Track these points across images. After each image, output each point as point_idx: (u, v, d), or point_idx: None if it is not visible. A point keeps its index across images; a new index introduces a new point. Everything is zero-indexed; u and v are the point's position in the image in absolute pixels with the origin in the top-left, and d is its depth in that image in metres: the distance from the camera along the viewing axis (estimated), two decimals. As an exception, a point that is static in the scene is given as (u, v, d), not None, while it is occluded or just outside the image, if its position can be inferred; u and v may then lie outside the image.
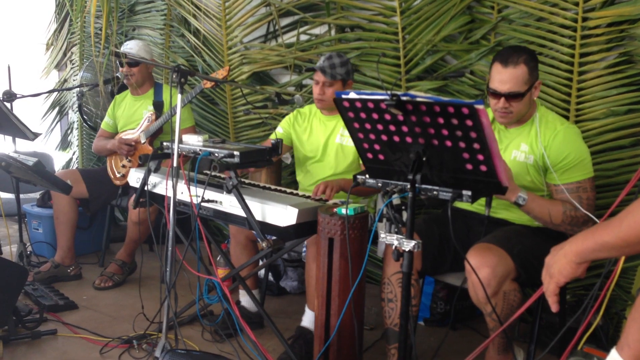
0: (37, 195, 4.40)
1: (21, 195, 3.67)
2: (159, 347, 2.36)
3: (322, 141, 2.96)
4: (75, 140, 5.51)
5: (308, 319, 2.68)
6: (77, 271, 3.68)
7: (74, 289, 3.47)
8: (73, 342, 2.77)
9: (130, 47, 3.63)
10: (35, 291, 3.23)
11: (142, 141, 3.52)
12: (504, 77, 2.25)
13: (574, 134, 2.32)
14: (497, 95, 2.27)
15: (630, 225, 1.19)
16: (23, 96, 3.64)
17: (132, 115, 3.72)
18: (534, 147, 2.32)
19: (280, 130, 3.08)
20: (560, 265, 1.36)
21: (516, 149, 2.36)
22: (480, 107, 1.53)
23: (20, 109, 3.77)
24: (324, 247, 2.22)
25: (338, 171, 2.93)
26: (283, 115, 3.89)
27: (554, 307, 1.42)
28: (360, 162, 2.88)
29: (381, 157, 1.84)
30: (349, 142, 2.88)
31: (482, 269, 2.03)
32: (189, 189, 2.38)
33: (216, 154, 2.34)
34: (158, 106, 3.60)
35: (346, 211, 2.12)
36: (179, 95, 2.41)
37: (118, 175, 3.69)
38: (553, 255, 1.39)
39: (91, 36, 4.68)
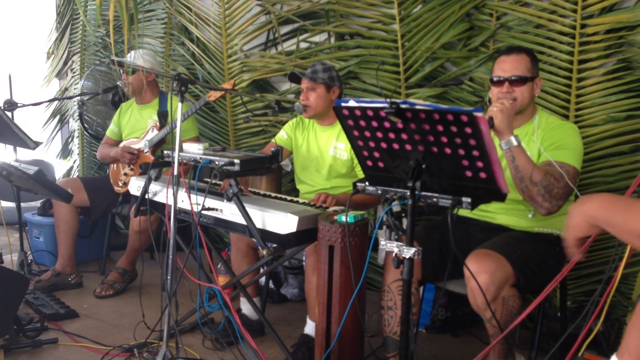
0: (38, 203, 4.41)
1: (22, 204, 3.68)
2: (160, 356, 2.36)
3: (316, 152, 2.97)
4: (76, 149, 5.52)
5: (310, 328, 2.68)
6: (78, 279, 3.68)
7: (74, 297, 3.47)
8: (74, 350, 2.76)
9: (129, 55, 3.64)
10: (36, 300, 3.23)
11: (145, 150, 3.54)
12: (506, 65, 2.33)
13: (571, 128, 2.37)
14: (500, 81, 2.33)
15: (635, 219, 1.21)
16: (24, 105, 3.65)
17: (136, 124, 3.73)
18: (530, 144, 2.34)
19: (283, 135, 3.09)
20: (576, 220, 1.39)
21: None
22: (479, 114, 1.54)
23: (21, 118, 3.79)
24: (325, 255, 2.22)
25: (331, 183, 2.94)
26: (283, 123, 3.90)
27: (576, 258, 1.46)
28: (353, 173, 2.90)
29: (381, 164, 1.85)
30: (342, 155, 2.89)
31: (481, 274, 2.03)
32: (189, 197, 2.39)
33: (216, 162, 2.35)
34: (162, 116, 3.61)
35: (346, 218, 2.13)
36: (180, 104, 2.43)
37: (120, 184, 3.70)
38: (574, 207, 1.41)
39: (91, 45, 4.72)
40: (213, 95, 3.12)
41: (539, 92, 2.40)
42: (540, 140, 2.32)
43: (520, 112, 2.36)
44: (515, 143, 2.13)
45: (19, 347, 2.68)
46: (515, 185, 2.18)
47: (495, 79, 2.35)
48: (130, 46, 3.63)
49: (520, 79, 2.30)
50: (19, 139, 3.30)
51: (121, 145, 3.71)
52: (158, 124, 3.58)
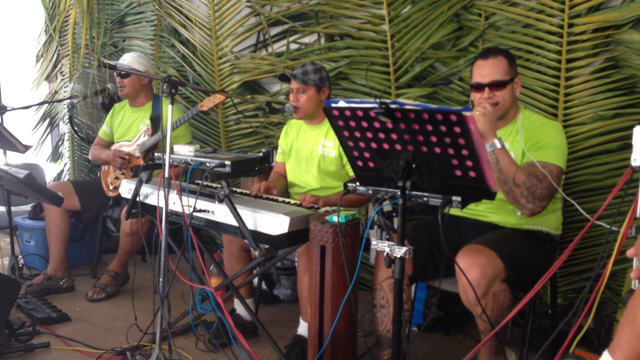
0: (28, 207, 4.39)
1: (12, 208, 3.66)
2: (153, 358, 2.36)
3: (306, 152, 2.98)
4: (67, 152, 5.50)
5: (303, 328, 2.68)
6: (70, 283, 3.66)
7: (66, 301, 3.45)
8: (66, 354, 2.75)
9: (124, 58, 3.63)
10: (28, 304, 3.21)
11: (137, 155, 3.52)
12: (484, 70, 2.33)
13: (554, 126, 2.38)
14: (480, 87, 2.33)
15: None
16: (13, 109, 3.64)
17: (128, 127, 3.71)
18: (514, 144, 2.36)
19: (280, 151, 3.13)
20: None
21: None
22: (467, 114, 1.55)
23: (11, 121, 3.77)
24: (316, 255, 2.23)
25: (321, 183, 2.94)
26: (274, 124, 3.91)
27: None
28: (343, 171, 2.91)
29: (371, 164, 1.86)
30: (330, 153, 2.90)
31: (472, 269, 2.04)
32: (180, 199, 2.38)
33: (208, 164, 2.35)
34: (155, 121, 3.59)
35: (337, 218, 2.14)
36: (170, 106, 2.42)
37: (111, 187, 3.69)
38: None
39: (81, 48, 4.71)
40: (206, 104, 3.10)
41: (521, 90, 2.42)
42: (524, 140, 2.33)
43: (503, 114, 2.38)
44: (498, 145, 2.15)
45: (11, 351, 2.66)
46: (499, 187, 2.20)
47: (474, 84, 2.36)
48: (119, 49, 3.62)
49: (500, 83, 2.31)
50: (8, 142, 3.29)
51: (112, 148, 3.69)
52: (150, 129, 3.57)
